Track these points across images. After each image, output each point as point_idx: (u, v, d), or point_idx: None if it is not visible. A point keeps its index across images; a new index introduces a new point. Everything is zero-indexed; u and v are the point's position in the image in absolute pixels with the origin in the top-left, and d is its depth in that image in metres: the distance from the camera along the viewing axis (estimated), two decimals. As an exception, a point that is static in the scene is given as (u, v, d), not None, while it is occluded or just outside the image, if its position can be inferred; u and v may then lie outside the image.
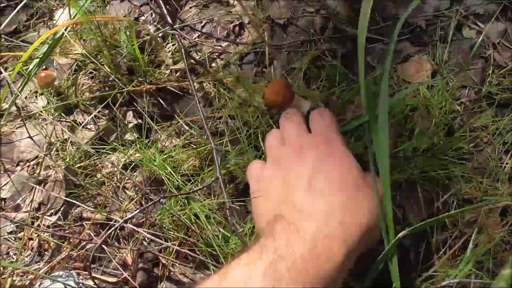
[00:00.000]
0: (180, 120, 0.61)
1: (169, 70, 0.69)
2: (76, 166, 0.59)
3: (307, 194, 0.44)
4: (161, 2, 0.73)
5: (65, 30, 0.55)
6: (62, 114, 0.64)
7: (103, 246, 0.53)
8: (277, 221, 0.43)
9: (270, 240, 0.41)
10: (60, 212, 0.58)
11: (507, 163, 0.62)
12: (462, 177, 0.60)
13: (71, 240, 0.54)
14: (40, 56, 0.50)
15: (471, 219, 0.57)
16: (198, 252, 0.53)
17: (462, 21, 0.73)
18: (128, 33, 0.64)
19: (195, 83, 0.67)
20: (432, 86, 0.68)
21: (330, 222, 0.41)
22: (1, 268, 0.51)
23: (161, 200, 0.50)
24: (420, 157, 0.60)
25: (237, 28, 0.77)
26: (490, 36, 0.71)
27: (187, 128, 0.62)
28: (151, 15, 0.77)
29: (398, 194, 0.60)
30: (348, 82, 0.68)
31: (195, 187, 0.55)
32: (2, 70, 0.56)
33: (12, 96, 0.58)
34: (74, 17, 0.58)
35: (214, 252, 0.50)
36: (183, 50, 0.66)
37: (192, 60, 0.68)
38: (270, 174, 0.50)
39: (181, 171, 0.58)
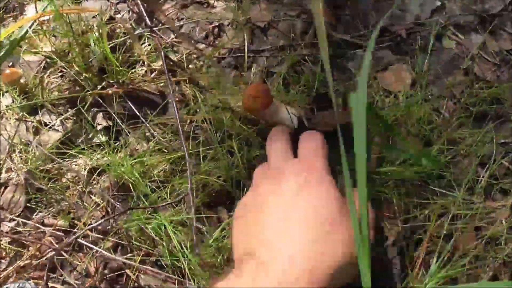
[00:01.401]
0: (148, 124, 0.59)
1: (143, 71, 0.67)
2: (40, 169, 0.56)
3: (279, 234, 0.42)
4: (139, 1, 0.70)
5: (31, 25, 0.52)
6: (26, 114, 0.61)
7: (64, 254, 0.51)
8: (246, 259, 0.42)
9: (237, 276, 0.40)
10: (20, 217, 0.54)
11: (483, 177, 0.61)
12: (438, 190, 0.60)
13: (30, 247, 0.51)
14: (1, 54, 0.47)
15: (446, 234, 0.56)
16: (164, 263, 0.51)
17: (442, 31, 0.73)
18: (101, 30, 0.61)
19: (171, 84, 0.65)
20: (411, 96, 0.68)
21: (296, 267, 0.40)
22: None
23: (128, 211, 0.48)
24: (397, 168, 0.59)
25: (216, 29, 0.75)
26: (469, 48, 0.71)
27: (155, 133, 0.59)
28: (128, 12, 0.75)
29: (373, 207, 0.59)
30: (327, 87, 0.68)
31: (164, 194, 0.53)
32: (-37, 65, 0.53)
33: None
34: (43, 10, 0.56)
35: (180, 264, 0.48)
36: (162, 53, 0.63)
37: (169, 61, 0.66)
38: (250, 203, 0.48)
39: (151, 177, 0.55)
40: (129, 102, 0.61)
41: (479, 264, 0.56)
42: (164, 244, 0.49)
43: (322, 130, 0.58)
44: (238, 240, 0.46)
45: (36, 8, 0.55)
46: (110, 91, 0.54)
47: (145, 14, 0.69)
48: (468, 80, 0.69)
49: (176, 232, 0.50)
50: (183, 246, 0.50)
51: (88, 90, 0.60)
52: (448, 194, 0.59)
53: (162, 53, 0.63)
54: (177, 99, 0.65)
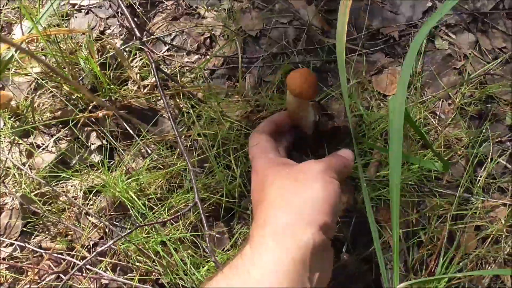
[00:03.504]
0: (141, 142, 0.58)
1: (136, 87, 0.67)
2: (34, 193, 0.55)
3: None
4: (128, 14, 0.70)
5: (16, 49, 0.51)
6: (17, 138, 0.60)
7: (63, 277, 0.50)
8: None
9: None
10: (17, 242, 0.54)
11: (480, 176, 0.61)
12: (437, 191, 0.59)
13: (29, 272, 0.50)
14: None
15: (447, 235, 0.56)
16: (165, 282, 0.50)
17: (435, 32, 0.73)
18: (89, 49, 0.60)
19: (166, 99, 0.65)
20: (407, 98, 0.67)
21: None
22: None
23: (124, 235, 0.47)
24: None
25: (208, 40, 0.74)
26: (462, 47, 0.71)
27: (149, 149, 0.59)
28: (119, 26, 0.74)
29: (374, 211, 0.59)
30: (323, 94, 0.67)
31: (162, 212, 0.53)
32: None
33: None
34: (29, 31, 0.55)
35: (180, 281, 0.48)
36: (153, 64, 0.63)
37: (162, 74, 0.66)
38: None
39: (147, 195, 0.55)
40: (122, 120, 0.60)
41: (480, 263, 0.56)
42: (164, 262, 0.48)
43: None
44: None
45: (22, 29, 0.54)
46: (100, 114, 0.53)
47: (134, 27, 0.68)
48: (462, 80, 0.69)
49: (177, 249, 0.49)
50: (184, 262, 0.49)
51: (80, 110, 0.59)
52: (446, 195, 0.59)
53: (153, 65, 0.62)
54: (170, 113, 0.65)
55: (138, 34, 0.68)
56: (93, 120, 0.60)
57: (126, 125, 0.59)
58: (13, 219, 0.55)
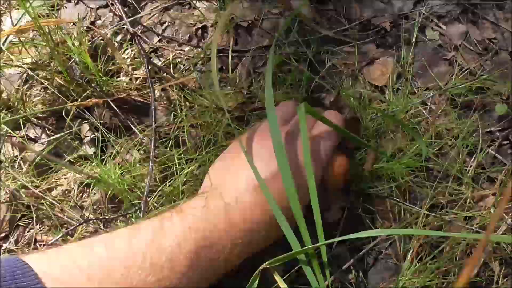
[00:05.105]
0: (136, 133, 0.58)
1: (128, 78, 0.66)
2: (28, 186, 0.55)
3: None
4: (119, 4, 0.69)
5: (5, 40, 0.51)
6: (9, 130, 0.59)
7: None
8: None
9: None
10: (11, 236, 0.54)
11: (470, 166, 0.62)
12: (428, 182, 0.61)
13: (24, 265, 0.50)
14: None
15: (437, 225, 0.58)
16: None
17: (425, 23, 0.73)
18: (80, 40, 0.60)
19: (156, 90, 0.65)
20: (398, 89, 0.68)
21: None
22: None
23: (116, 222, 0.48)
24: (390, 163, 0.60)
25: (199, 31, 0.74)
26: (452, 38, 0.72)
27: (144, 140, 0.59)
28: (110, 17, 0.73)
29: (366, 203, 0.60)
30: (315, 86, 0.68)
31: (155, 203, 0.53)
32: None
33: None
34: (17, 23, 0.54)
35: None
36: (142, 52, 0.62)
37: (154, 67, 0.65)
38: None
39: (142, 187, 0.55)
40: (116, 112, 0.60)
41: (469, 251, 0.57)
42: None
43: None
44: None
45: (11, 19, 0.53)
46: (90, 102, 0.53)
47: (126, 18, 0.68)
48: (452, 71, 0.69)
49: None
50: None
51: (72, 101, 0.59)
52: (437, 186, 0.60)
53: (145, 59, 0.62)
54: (163, 105, 0.65)
55: (129, 25, 0.67)
56: (86, 112, 0.60)
57: (119, 117, 0.59)
58: (7, 212, 0.55)
